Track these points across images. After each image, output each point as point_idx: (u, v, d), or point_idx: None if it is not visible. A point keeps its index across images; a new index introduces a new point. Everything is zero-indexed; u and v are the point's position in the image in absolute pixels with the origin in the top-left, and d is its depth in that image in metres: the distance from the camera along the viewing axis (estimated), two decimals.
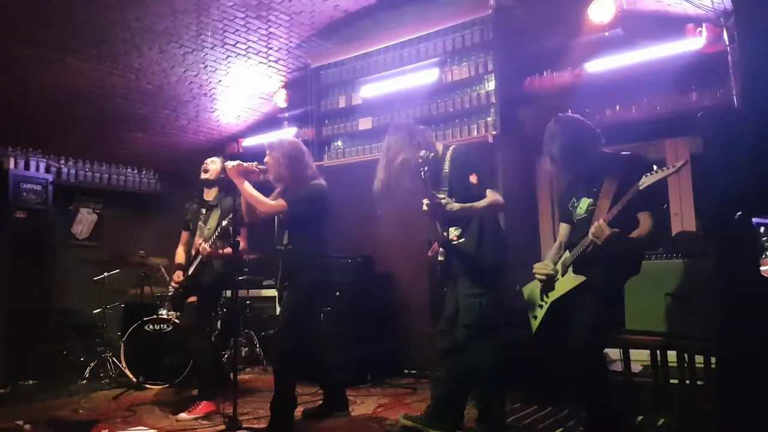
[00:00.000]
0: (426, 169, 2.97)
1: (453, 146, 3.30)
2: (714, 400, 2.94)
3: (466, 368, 3.17)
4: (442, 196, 3.02)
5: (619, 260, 2.74)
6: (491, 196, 3.09)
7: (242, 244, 4.11)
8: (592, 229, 2.66)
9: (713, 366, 3.15)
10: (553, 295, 2.93)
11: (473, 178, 3.10)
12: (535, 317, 3.03)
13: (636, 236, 2.69)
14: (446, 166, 3.19)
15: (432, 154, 3.05)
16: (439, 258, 3.21)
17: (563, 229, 3.06)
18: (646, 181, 2.50)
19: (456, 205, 3.02)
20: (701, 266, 3.17)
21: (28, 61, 5.07)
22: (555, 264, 2.97)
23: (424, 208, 2.99)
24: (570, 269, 2.85)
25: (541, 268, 3.01)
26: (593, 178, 2.83)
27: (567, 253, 2.90)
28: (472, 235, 3.13)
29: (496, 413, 3.18)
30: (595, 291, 2.73)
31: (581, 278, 2.78)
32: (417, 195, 3.06)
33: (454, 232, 3.16)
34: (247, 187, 3.62)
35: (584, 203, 2.86)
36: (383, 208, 3.24)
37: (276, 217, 3.80)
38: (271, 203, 3.62)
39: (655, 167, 2.55)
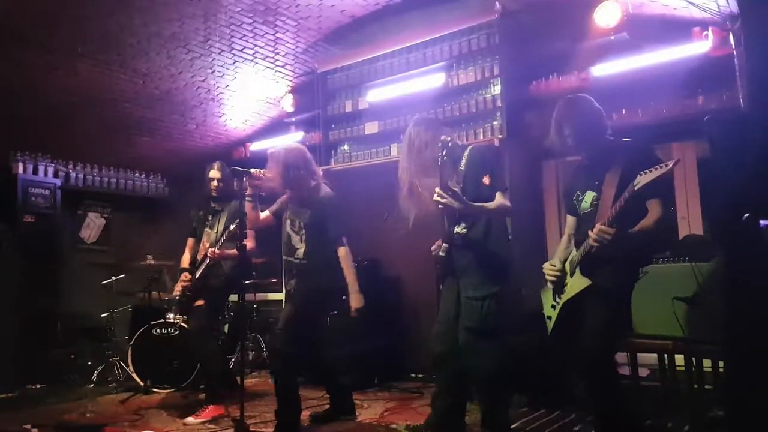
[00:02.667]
0: (444, 153, 2.96)
1: (471, 146, 3.29)
2: (723, 404, 2.92)
3: (468, 373, 3.15)
4: (456, 188, 2.98)
5: (626, 259, 2.69)
6: (500, 199, 3.07)
7: (251, 244, 4.12)
8: (593, 234, 2.64)
9: (721, 370, 3.14)
10: (564, 297, 2.92)
11: (486, 179, 3.08)
12: (550, 318, 3.01)
13: (641, 228, 2.63)
14: (462, 165, 3.17)
15: (451, 142, 3.04)
16: (441, 253, 3.18)
17: (570, 221, 3.02)
18: (641, 180, 2.47)
19: (466, 202, 2.98)
20: (709, 270, 3.16)
21: (36, 65, 5.11)
22: (564, 261, 2.95)
23: (435, 197, 2.94)
24: (578, 269, 2.83)
25: (548, 269, 3.00)
26: (596, 169, 2.80)
27: (575, 251, 2.88)
28: (477, 235, 3.12)
29: (501, 418, 3.16)
30: (603, 293, 2.71)
31: (587, 282, 2.77)
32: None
33: (459, 230, 3.16)
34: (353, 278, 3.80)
35: (589, 197, 2.84)
36: (406, 205, 3.21)
37: (286, 227, 3.80)
38: (349, 262, 3.75)
39: (654, 167, 2.48)
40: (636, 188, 2.49)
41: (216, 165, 4.40)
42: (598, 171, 2.79)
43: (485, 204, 3.04)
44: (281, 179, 3.65)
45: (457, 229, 3.15)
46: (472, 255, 3.13)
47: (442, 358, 3.22)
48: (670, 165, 2.42)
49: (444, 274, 3.26)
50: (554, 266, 2.97)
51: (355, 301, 3.74)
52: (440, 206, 2.94)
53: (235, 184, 4.42)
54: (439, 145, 2.99)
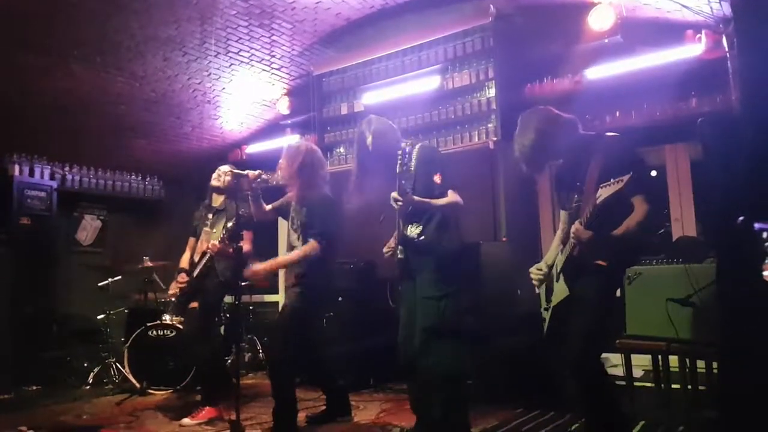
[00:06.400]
0: (404, 161, 3.02)
1: (419, 144, 3.31)
2: (716, 405, 2.94)
3: (427, 374, 3.09)
4: (407, 190, 3.05)
5: (608, 262, 2.66)
6: (452, 196, 3.10)
7: (247, 247, 4.13)
8: (572, 232, 2.63)
9: (715, 371, 3.17)
10: (553, 302, 2.94)
11: (437, 178, 3.11)
12: (544, 319, 3.03)
13: (625, 229, 2.56)
14: (413, 164, 3.19)
15: (409, 148, 3.10)
16: (399, 255, 3.18)
17: (562, 215, 3.00)
18: (602, 193, 2.44)
19: (416, 198, 3.05)
20: (702, 271, 3.19)
21: (33, 68, 5.11)
22: (552, 264, 2.96)
23: (392, 201, 3.02)
24: (562, 275, 2.83)
25: (533, 272, 3.00)
26: (576, 168, 2.76)
27: (560, 255, 2.88)
28: (430, 234, 3.13)
29: (458, 419, 3.11)
30: (585, 300, 2.68)
31: (566, 292, 2.76)
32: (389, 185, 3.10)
33: (413, 230, 3.16)
34: (281, 260, 3.80)
35: (571, 196, 2.82)
36: (356, 197, 3.27)
37: (288, 225, 3.82)
38: (306, 253, 3.55)
39: (612, 180, 2.43)
40: (598, 202, 2.46)
41: (229, 166, 4.45)
42: (579, 170, 2.75)
43: (434, 200, 3.09)
44: (295, 174, 3.67)
45: (410, 230, 3.16)
46: (426, 255, 3.13)
47: (412, 366, 3.18)
48: (625, 180, 2.37)
49: (401, 276, 3.27)
50: (540, 270, 2.97)
51: (256, 266, 3.68)
52: (395, 207, 3.01)
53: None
54: (399, 153, 3.04)
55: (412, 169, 3.17)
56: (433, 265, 3.11)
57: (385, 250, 3.31)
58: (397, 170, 3.04)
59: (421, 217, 3.15)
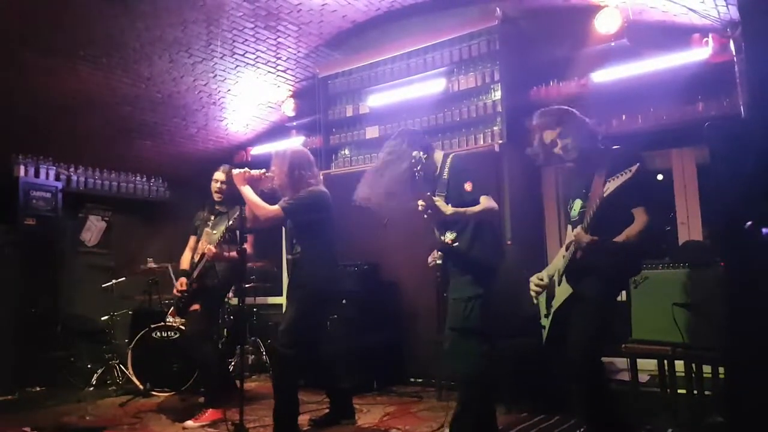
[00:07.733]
0: (419, 168, 3.03)
1: (452, 154, 3.34)
2: (722, 410, 2.93)
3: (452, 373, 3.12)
4: (437, 198, 3.04)
5: (610, 268, 2.69)
6: (485, 202, 3.11)
7: (249, 250, 4.14)
8: (574, 235, 2.67)
9: (721, 376, 3.15)
10: (554, 305, 2.93)
11: (468, 186, 3.13)
12: (544, 327, 3.03)
13: (624, 238, 2.61)
14: (446, 173, 3.24)
15: (426, 156, 3.11)
16: (438, 261, 3.21)
17: (568, 230, 3.06)
18: (609, 186, 2.46)
19: (450, 209, 3.03)
20: (708, 275, 3.17)
21: (38, 68, 5.12)
22: (554, 272, 2.96)
23: (419, 208, 3.01)
24: (564, 278, 2.84)
25: (533, 282, 3.02)
26: (584, 176, 2.81)
27: (562, 260, 2.89)
28: (466, 240, 3.15)
29: (465, 423, 3.09)
30: (586, 301, 2.70)
31: (569, 290, 2.77)
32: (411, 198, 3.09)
33: (449, 237, 3.17)
34: (247, 192, 3.64)
35: (577, 205, 2.85)
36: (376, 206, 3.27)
37: (290, 224, 3.83)
38: (267, 208, 3.61)
39: (619, 173, 2.47)
40: (605, 195, 2.49)
41: (222, 168, 4.45)
42: (586, 178, 2.79)
43: (469, 208, 3.08)
44: (286, 178, 3.68)
45: (447, 236, 3.17)
46: (459, 260, 3.16)
47: None
48: (633, 170, 2.40)
49: (444, 281, 3.28)
50: (541, 280, 2.99)
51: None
52: (425, 216, 2.99)
53: None
54: (413, 160, 3.05)
55: (445, 177, 3.22)
56: (463, 268, 3.15)
57: (429, 260, 3.31)
58: (416, 176, 3.05)
59: (457, 224, 3.17)
